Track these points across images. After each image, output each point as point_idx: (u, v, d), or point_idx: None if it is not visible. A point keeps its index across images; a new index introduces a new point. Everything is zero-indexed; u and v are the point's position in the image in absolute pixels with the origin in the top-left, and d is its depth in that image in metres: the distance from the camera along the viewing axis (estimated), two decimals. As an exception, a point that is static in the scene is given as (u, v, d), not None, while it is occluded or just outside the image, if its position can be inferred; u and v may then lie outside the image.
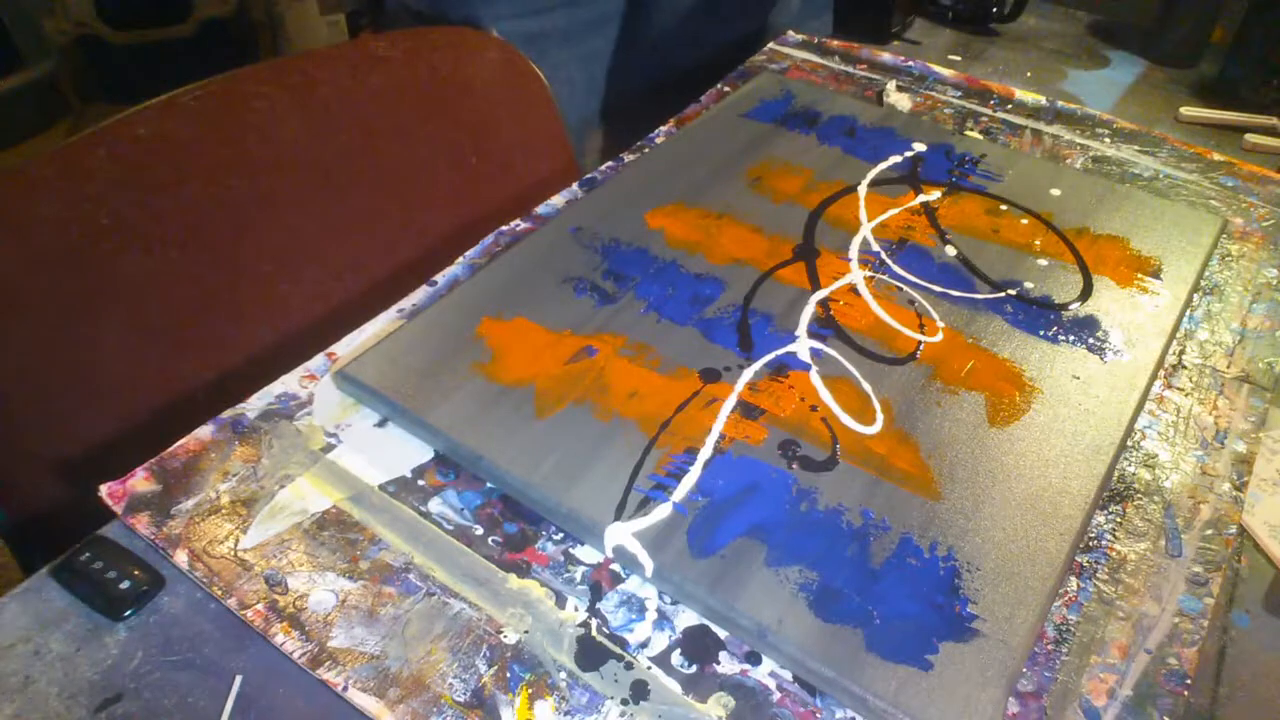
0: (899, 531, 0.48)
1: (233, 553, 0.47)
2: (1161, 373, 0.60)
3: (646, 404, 0.54)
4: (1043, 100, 0.88)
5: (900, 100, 0.87)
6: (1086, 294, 0.64)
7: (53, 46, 1.89)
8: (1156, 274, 0.66)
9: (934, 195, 0.73)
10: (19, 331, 0.63)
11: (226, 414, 0.54)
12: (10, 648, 0.43)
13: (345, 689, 0.42)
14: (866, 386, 0.56)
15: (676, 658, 0.44)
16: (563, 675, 0.43)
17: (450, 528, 0.49)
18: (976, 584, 0.46)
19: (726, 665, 0.44)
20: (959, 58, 1.11)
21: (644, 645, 0.44)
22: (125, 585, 0.45)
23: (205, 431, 0.53)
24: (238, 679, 0.43)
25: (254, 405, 0.55)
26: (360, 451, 0.53)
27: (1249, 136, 0.92)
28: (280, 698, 0.42)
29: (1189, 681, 0.44)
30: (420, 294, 0.64)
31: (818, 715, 0.42)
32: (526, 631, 0.45)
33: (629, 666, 0.43)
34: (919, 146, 0.78)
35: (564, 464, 0.50)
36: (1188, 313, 0.64)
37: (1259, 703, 0.46)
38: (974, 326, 0.61)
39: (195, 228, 0.69)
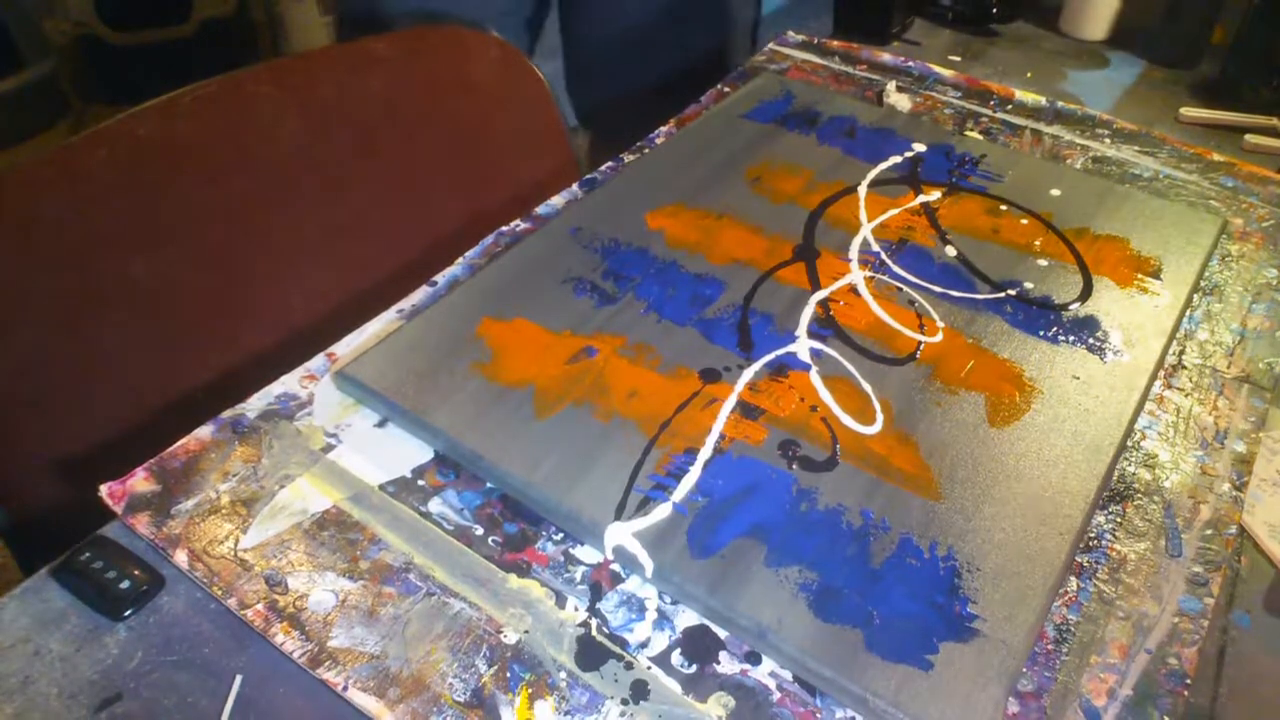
0: (899, 531, 0.48)
1: (233, 553, 0.47)
2: (1161, 373, 0.60)
3: (646, 404, 0.54)
4: (1043, 101, 0.88)
5: (900, 101, 0.87)
6: (1086, 294, 0.64)
7: (53, 47, 1.88)
8: (1156, 274, 0.66)
9: (934, 196, 0.73)
10: (19, 332, 0.63)
11: (226, 414, 0.54)
12: (10, 648, 0.43)
13: (345, 689, 0.42)
14: (866, 387, 0.56)
15: (676, 658, 0.44)
16: (563, 675, 0.43)
17: (450, 528, 0.49)
18: (976, 584, 0.46)
19: (726, 665, 0.44)
20: (959, 58, 1.11)
21: (644, 645, 0.44)
22: (125, 585, 0.45)
23: (205, 431, 0.53)
24: (238, 679, 0.43)
25: (254, 405, 0.55)
26: (360, 451, 0.53)
27: (1249, 137, 0.91)
28: (280, 698, 0.42)
29: (1189, 681, 0.44)
30: (420, 294, 0.64)
31: (818, 715, 0.42)
32: (526, 631, 0.45)
33: (629, 666, 0.43)
34: (919, 147, 0.78)
35: (564, 464, 0.50)
36: (1188, 313, 0.64)
37: (1259, 703, 0.46)
38: (974, 327, 0.61)
39: (195, 228, 0.69)
